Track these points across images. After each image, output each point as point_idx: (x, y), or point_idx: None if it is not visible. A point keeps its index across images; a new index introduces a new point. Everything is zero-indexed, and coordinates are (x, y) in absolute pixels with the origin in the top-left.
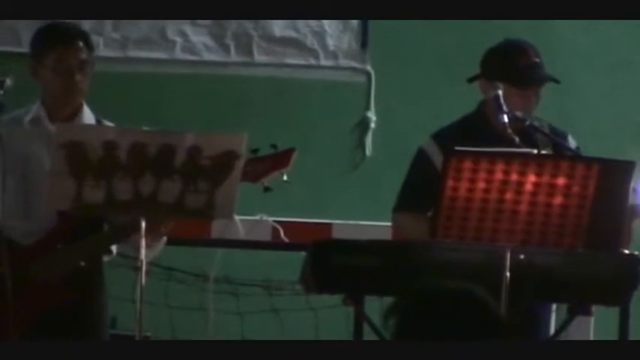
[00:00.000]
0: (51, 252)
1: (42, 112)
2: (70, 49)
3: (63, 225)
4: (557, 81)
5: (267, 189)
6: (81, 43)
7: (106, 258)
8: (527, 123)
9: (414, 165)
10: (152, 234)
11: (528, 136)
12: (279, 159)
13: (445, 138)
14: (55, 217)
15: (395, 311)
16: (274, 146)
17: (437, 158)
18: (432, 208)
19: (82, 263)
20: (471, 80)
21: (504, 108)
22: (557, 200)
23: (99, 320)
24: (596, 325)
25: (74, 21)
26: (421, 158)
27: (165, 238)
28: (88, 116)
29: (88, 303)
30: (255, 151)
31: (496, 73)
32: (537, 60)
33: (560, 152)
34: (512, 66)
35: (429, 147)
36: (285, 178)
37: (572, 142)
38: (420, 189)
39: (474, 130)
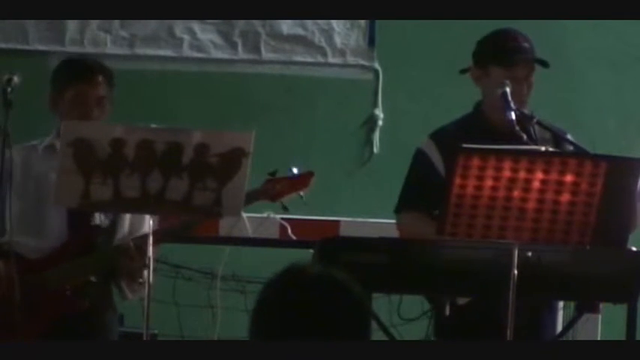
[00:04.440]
0: (60, 265)
1: (56, 141)
2: (90, 84)
3: (74, 241)
4: (545, 64)
5: (285, 208)
6: (101, 79)
7: None
8: (535, 120)
9: (413, 166)
10: (130, 286)
11: (527, 132)
12: (299, 181)
13: (443, 137)
14: (65, 234)
15: (261, 303)
16: (290, 170)
17: (436, 158)
18: (435, 208)
19: (93, 279)
20: (463, 71)
21: (512, 105)
22: (565, 198)
23: (107, 329)
24: (603, 323)
25: (83, 22)
26: (420, 159)
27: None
28: None
29: (96, 312)
30: (273, 173)
31: (485, 58)
32: (526, 45)
33: (563, 149)
34: (500, 47)
35: (427, 147)
36: (303, 199)
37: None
38: (421, 189)
39: (473, 128)
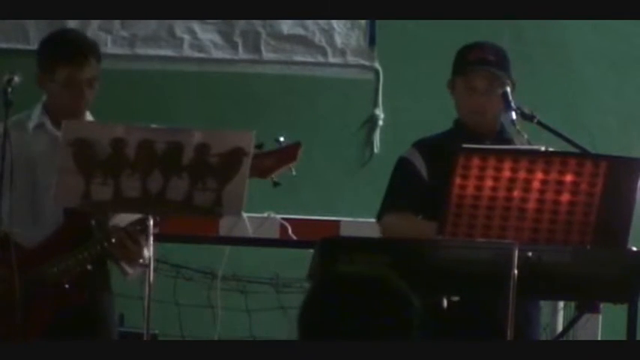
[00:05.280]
0: (57, 255)
1: (46, 119)
2: (82, 67)
3: (68, 228)
4: (512, 83)
5: (276, 184)
6: (91, 60)
7: None
8: (536, 120)
9: (397, 172)
10: (131, 263)
11: (502, 134)
12: (287, 153)
13: (427, 147)
14: (60, 221)
15: (311, 304)
16: (278, 140)
17: (420, 164)
18: (420, 212)
19: (89, 267)
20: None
21: (513, 105)
22: (565, 197)
23: (107, 320)
24: (604, 323)
25: (84, 22)
26: (404, 165)
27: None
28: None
29: (95, 304)
30: (259, 146)
31: (453, 69)
32: (491, 57)
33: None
34: (461, 58)
35: (411, 155)
36: (293, 172)
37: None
38: (406, 193)
39: (457, 138)
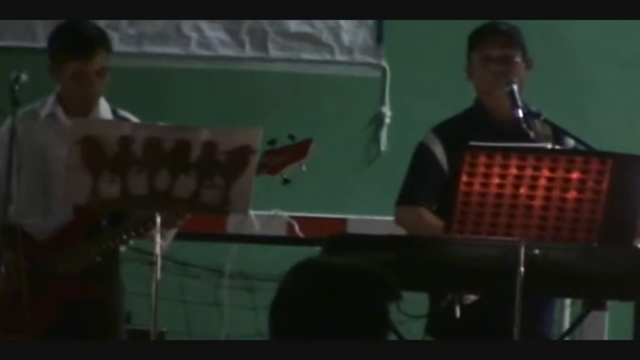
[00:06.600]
0: (69, 247)
1: (58, 108)
2: (91, 60)
3: (80, 220)
4: (524, 50)
5: (286, 181)
6: (100, 51)
7: (122, 248)
8: (543, 117)
9: (415, 159)
10: (166, 224)
11: (529, 127)
12: (297, 150)
13: (446, 131)
14: (71, 212)
15: (282, 298)
16: (291, 136)
17: (439, 151)
18: (436, 202)
19: (99, 259)
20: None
21: (519, 103)
22: (572, 195)
23: (117, 314)
24: (610, 321)
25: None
26: (423, 152)
27: (176, 229)
28: (104, 108)
29: (106, 297)
30: (272, 141)
31: (468, 47)
32: (504, 27)
33: (565, 145)
34: (476, 33)
35: (430, 140)
36: (303, 168)
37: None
38: (423, 183)
39: (475, 123)
